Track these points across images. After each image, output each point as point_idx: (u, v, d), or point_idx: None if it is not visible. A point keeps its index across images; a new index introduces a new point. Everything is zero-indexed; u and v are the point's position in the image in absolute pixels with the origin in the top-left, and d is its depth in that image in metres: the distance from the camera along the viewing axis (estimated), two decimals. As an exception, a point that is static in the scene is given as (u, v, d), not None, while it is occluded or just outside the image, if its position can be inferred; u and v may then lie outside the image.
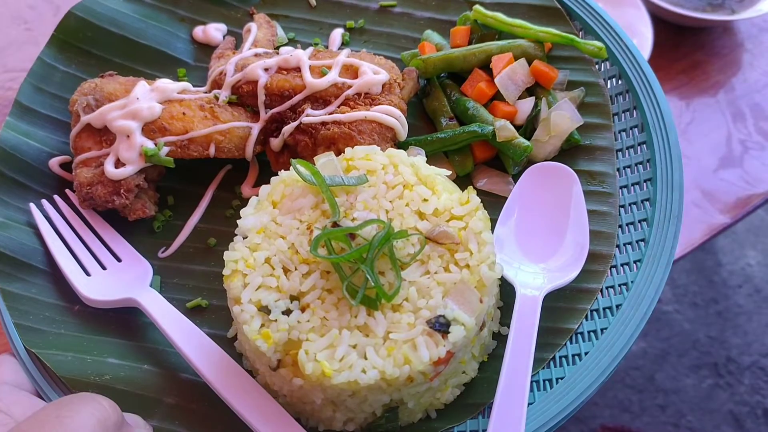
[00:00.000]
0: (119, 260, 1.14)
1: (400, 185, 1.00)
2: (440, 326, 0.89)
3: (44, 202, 1.17)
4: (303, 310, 0.92)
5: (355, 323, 0.90)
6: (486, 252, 0.95)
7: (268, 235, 0.98)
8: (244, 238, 0.98)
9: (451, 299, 0.91)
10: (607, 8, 1.88)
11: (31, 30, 1.67)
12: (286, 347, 0.90)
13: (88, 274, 1.11)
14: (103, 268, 1.12)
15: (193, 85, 1.26)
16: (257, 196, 1.04)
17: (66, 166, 1.22)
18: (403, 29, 1.39)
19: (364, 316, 0.90)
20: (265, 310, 0.91)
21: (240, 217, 1.01)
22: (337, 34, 1.39)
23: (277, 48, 1.33)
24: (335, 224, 0.96)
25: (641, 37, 1.79)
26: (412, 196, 0.99)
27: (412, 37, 1.38)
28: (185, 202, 1.22)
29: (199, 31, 1.39)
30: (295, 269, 0.94)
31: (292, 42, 1.39)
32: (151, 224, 1.20)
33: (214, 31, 1.39)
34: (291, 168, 1.03)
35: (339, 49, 1.37)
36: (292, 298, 0.92)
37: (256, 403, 0.95)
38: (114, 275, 1.11)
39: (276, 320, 0.90)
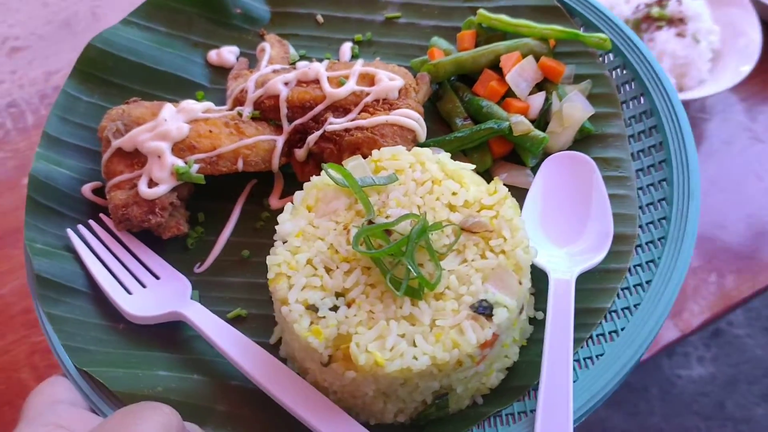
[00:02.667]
0: (158, 278, 1.17)
1: (429, 181, 1.04)
2: (484, 310, 0.93)
3: (80, 227, 1.20)
4: (349, 305, 0.95)
5: (401, 314, 0.93)
6: (519, 237, 0.98)
7: (307, 238, 1.01)
8: (284, 243, 1.02)
9: (490, 284, 0.95)
10: (710, 8, 1.87)
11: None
12: (337, 342, 0.93)
13: (129, 292, 1.14)
14: (143, 286, 1.15)
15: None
16: (285, 206, 1.08)
17: (97, 192, 1.25)
18: (410, 38, 1.44)
19: (409, 306, 0.93)
20: (312, 308, 0.94)
21: (269, 228, 1.05)
22: (347, 47, 1.44)
23: (292, 64, 1.38)
24: (371, 222, 0.99)
25: (747, 39, 1.74)
26: (442, 190, 1.03)
27: (419, 45, 1.43)
28: (215, 218, 1.26)
29: (213, 55, 1.44)
30: (337, 268, 0.98)
31: (304, 58, 1.44)
32: (185, 242, 1.23)
33: (228, 53, 1.44)
34: (321, 173, 1.07)
35: (350, 61, 1.41)
36: (338, 295, 0.96)
37: (309, 399, 0.97)
38: (155, 292, 1.14)
39: (324, 317, 0.93)
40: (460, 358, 0.91)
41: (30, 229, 1.18)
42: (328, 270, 0.98)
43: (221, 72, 1.42)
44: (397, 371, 0.89)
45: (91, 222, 1.22)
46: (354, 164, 1.07)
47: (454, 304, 0.93)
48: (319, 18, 1.48)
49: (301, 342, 0.94)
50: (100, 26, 1.44)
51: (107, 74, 1.36)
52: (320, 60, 1.40)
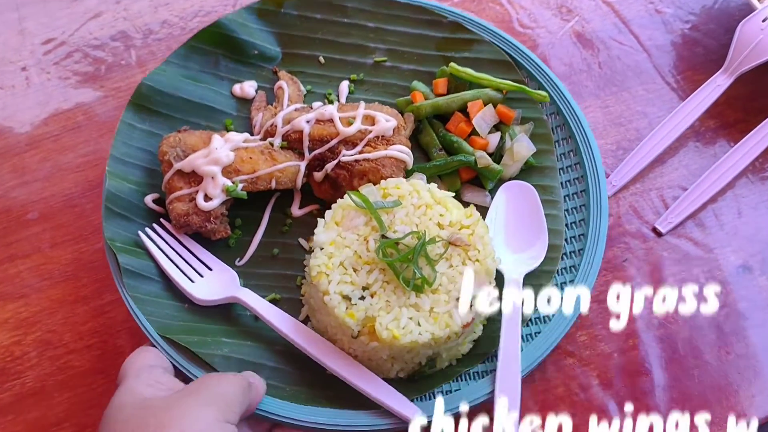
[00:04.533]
0: (210, 269, 1.52)
1: (423, 205, 1.44)
2: (466, 300, 1.35)
3: (147, 229, 1.54)
4: (372, 296, 1.35)
5: (409, 303, 1.34)
6: (489, 249, 1.41)
7: (338, 246, 1.40)
8: (321, 249, 1.40)
9: (470, 282, 1.37)
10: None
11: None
12: (364, 322, 1.33)
13: (191, 280, 1.49)
14: (201, 275, 1.51)
15: (241, 132, 1.66)
16: (304, 215, 1.48)
17: (156, 202, 1.59)
18: (394, 79, 1.82)
19: (415, 297, 1.34)
20: (346, 298, 1.34)
21: (292, 232, 1.50)
22: (344, 85, 1.80)
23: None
24: (383, 236, 1.39)
25: None
26: (433, 213, 1.44)
27: (402, 85, 1.80)
28: (250, 223, 1.62)
29: (236, 88, 1.78)
30: (361, 268, 1.37)
31: (310, 93, 1.79)
32: (227, 242, 1.59)
33: (248, 87, 1.78)
34: (343, 197, 1.46)
35: (347, 96, 1.78)
36: (364, 288, 1.35)
37: (340, 359, 1.37)
38: (211, 280, 1.50)
39: (356, 304, 1.33)
40: (450, 334, 1.33)
41: (108, 231, 1.51)
42: (355, 270, 1.37)
43: (244, 102, 1.77)
44: (408, 343, 1.30)
45: (155, 226, 1.55)
46: (368, 191, 1.46)
47: (446, 296, 1.35)
48: (321, 59, 1.83)
49: (338, 321, 1.33)
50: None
51: (155, 106, 1.68)
52: (323, 95, 1.77)
